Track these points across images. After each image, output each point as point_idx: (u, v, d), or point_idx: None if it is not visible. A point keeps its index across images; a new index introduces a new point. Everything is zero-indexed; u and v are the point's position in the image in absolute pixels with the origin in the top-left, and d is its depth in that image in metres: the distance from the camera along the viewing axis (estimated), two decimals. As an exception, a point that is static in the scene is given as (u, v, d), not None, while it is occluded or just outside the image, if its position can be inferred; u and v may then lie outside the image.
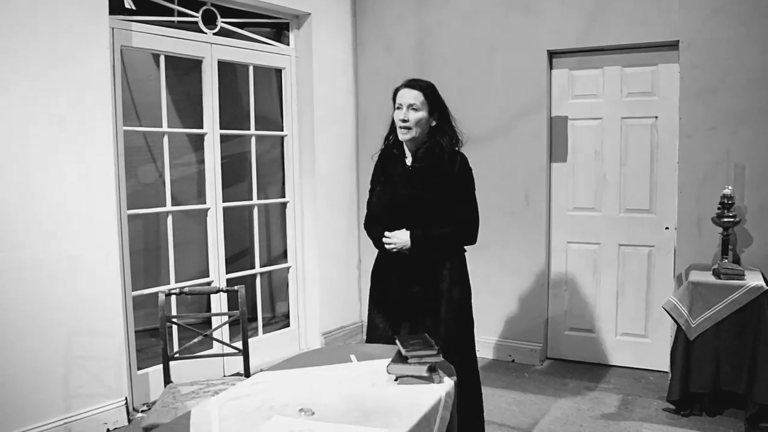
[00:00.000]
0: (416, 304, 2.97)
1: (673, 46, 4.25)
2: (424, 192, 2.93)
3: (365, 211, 3.26)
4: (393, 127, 3.05)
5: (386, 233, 2.97)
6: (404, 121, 2.92)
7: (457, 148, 3.04)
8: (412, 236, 2.91)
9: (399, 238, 2.93)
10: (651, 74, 4.41)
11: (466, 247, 3.11)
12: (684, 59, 4.19)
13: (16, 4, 3.28)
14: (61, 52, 3.46)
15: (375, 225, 3.09)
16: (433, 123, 2.98)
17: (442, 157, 2.96)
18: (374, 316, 3.12)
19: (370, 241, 3.15)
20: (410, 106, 2.92)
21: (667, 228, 4.42)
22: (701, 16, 4.11)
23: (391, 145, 3.09)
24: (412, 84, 2.98)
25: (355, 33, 5.41)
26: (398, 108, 2.96)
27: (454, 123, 3.05)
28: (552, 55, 4.69)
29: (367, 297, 3.22)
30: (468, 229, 3.02)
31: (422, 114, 2.92)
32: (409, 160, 3.02)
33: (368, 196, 3.22)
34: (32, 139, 3.38)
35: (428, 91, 2.96)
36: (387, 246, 2.97)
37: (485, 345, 4.99)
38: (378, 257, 3.14)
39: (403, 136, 2.95)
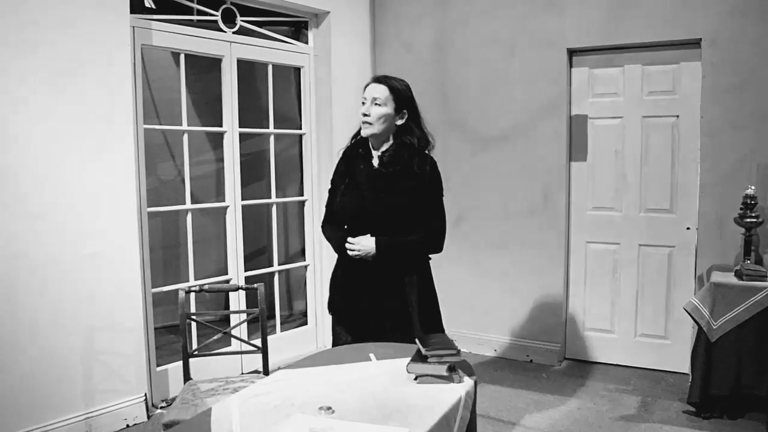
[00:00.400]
0: (383, 316, 2.82)
1: (696, 44, 4.20)
2: (391, 197, 2.78)
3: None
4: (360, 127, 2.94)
5: (349, 239, 2.82)
6: (365, 115, 2.80)
7: (426, 151, 2.90)
8: (377, 243, 2.77)
9: (363, 245, 2.78)
10: (672, 73, 4.37)
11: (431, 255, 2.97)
12: (706, 57, 4.14)
13: (40, 5, 3.31)
14: (84, 51, 3.50)
15: (336, 228, 2.96)
16: (399, 122, 2.84)
17: (411, 160, 2.81)
18: (336, 327, 2.99)
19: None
20: (374, 101, 2.79)
21: (688, 228, 4.37)
22: (724, 13, 4.06)
23: (357, 144, 2.95)
24: (380, 79, 2.87)
25: (373, 31, 5.41)
26: (363, 102, 2.84)
27: (423, 124, 2.92)
28: (572, 53, 4.65)
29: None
30: (436, 237, 2.88)
31: (386, 110, 2.79)
32: (375, 161, 2.88)
33: (328, 195, 3.05)
34: (56, 137, 3.42)
35: (396, 87, 2.83)
36: (350, 252, 2.81)
37: (502, 345, 4.97)
38: (338, 263, 2.97)
39: (364, 131, 2.84)
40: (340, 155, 3.02)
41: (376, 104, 2.80)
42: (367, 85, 2.88)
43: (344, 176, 2.93)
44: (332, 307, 3.02)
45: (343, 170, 2.95)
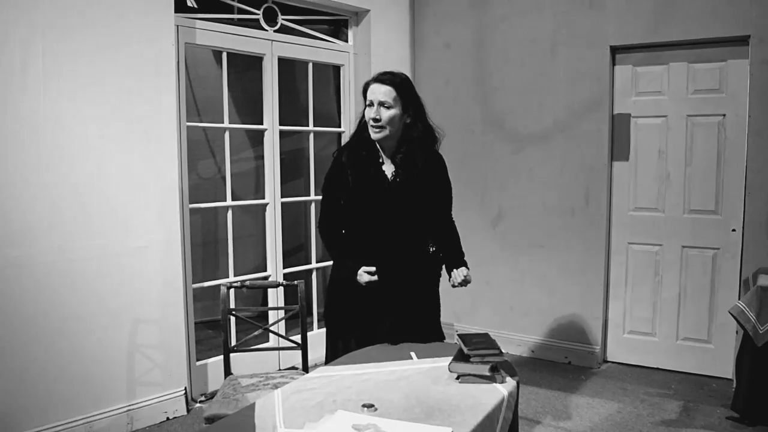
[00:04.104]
0: (403, 321, 2.77)
1: (744, 41, 4.10)
2: (410, 204, 2.75)
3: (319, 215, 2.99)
4: (362, 125, 2.81)
5: (468, 276, 2.77)
6: (376, 120, 2.69)
7: (436, 146, 2.87)
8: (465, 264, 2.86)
9: (467, 275, 2.79)
10: (719, 70, 4.27)
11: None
12: (755, 55, 4.04)
13: (90, 8, 3.38)
14: (130, 50, 3.56)
15: (338, 241, 2.85)
16: (408, 120, 2.77)
17: (425, 162, 2.77)
18: (339, 340, 2.87)
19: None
20: (382, 104, 2.69)
21: (734, 230, 4.27)
22: (774, 10, 3.96)
23: (359, 145, 2.82)
24: (382, 79, 2.74)
25: (413, 30, 5.40)
26: (369, 105, 2.73)
27: (429, 119, 2.84)
28: (615, 50, 4.58)
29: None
30: (458, 237, 2.97)
31: (395, 112, 2.70)
32: (387, 168, 2.79)
33: (326, 202, 2.89)
34: (104, 134, 3.48)
35: (401, 86, 2.73)
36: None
37: (540, 346, 4.93)
38: (349, 283, 2.78)
39: (375, 135, 2.72)
40: (335, 161, 2.88)
41: (384, 107, 2.70)
42: (369, 86, 2.76)
43: (345, 182, 2.80)
44: (343, 321, 2.88)
45: (345, 175, 2.80)
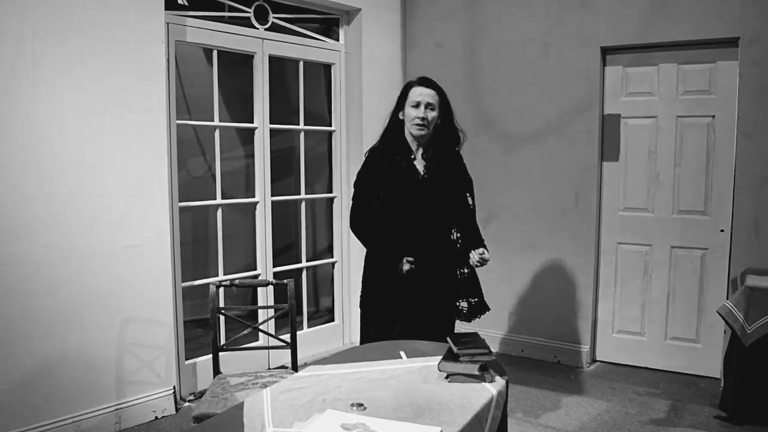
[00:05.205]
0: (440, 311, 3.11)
1: (733, 42, 4.12)
2: (440, 199, 3.04)
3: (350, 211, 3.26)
4: (394, 124, 3.11)
5: (484, 254, 2.99)
6: (422, 119, 2.99)
7: (458, 147, 3.17)
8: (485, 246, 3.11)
9: (483, 253, 3.01)
10: (709, 72, 4.29)
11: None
12: (744, 56, 4.06)
13: (80, 6, 3.36)
14: (120, 47, 3.54)
15: (376, 230, 3.09)
16: (439, 121, 3.07)
17: (451, 160, 3.10)
18: (372, 326, 3.14)
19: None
20: (428, 105, 3.00)
21: (722, 230, 4.29)
22: (763, 11, 3.97)
23: (391, 143, 3.11)
24: (429, 83, 3.05)
25: (405, 29, 5.40)
26: (415, 106, 3.01)
27: (456, 122, 3.14)
28: (606, 51, 4.59)
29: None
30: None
31: (436, 113, 3.03)
32: (419, 164, 3.06)
33: (359, 198, 3.15)
34: (92, 132, 3.46)
35: (441, 91, 3.07)
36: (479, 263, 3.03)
37: (529, 345, 4.94)
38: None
39: (419, 132, 3.01)
40: (370, 158, 3.14)
41: (430, 108, 3.00)
42: (412, 87, 3.06)
43: (383, 181, 3.05)
44: (385, 305, 3.09)
45: (381, 175, 3.06)
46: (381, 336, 2.94)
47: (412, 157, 3.07)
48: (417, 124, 3.00)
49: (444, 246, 3.10)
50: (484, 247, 3.08)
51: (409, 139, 3.10)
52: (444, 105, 3.07)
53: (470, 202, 3.19)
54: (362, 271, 3.23)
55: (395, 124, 3.11)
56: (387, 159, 3.06)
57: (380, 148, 3.12)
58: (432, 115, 3.01)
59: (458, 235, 3.13)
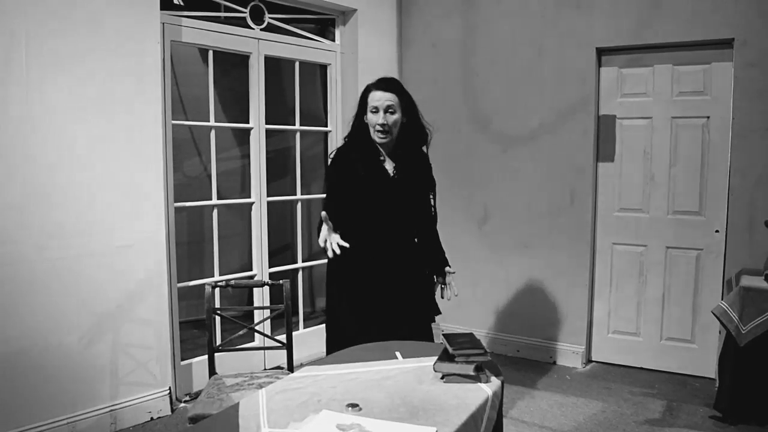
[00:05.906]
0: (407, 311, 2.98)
1: (728, 44, 4.13)
2: (410, 200, 2.96)
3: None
4: (358, 128, 2.95)
5: (451, 285, 2.98)
6: (383, 125, 2.85)
7: (426, 146, 3.07)
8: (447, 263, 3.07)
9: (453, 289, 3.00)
10: (703, 73, 4.30)
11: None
12: (739, 57, 4.07)
13: (75, 5, 3.35)
14: (116, 47, 3.53)
15: (339, 225, 2.77)
16: (404, 120, 2.92)
17: (420, 161, 3.03)
18: (355, 322, 2.94)
19: None
20: (388, 109, 2.85)
21: (717, 231, 4.31)
22: (758, 12, 3.99)
23: (358, 145, 2.94)
24: (387, 87, 2.90)
25: (400, 29, 5.40)
26: (373, 111, 2.86)
27: (421, 118, 3.00)
28: (601, 52, 4.60)
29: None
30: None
31: (398, 116, 2.88)
32: (388, 166, 2.93)
33: (331, 188, 2.94)
34: (87, 132, 3.45)
35: (401, 91, 2.91)
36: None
37: (525, 346, 4.94)
38: (356, 264, 2.89)
39: (381, 139, 2.88)
40: (338, 156, 2.96)
41: (390, 112, 2.86)
42: (370, 92, 2.91)
43: (345, 181, 2.89)
44: (358, 301, 2.93)
45: (347, 175, 2.90)
46: (351, 341, 2.69)
47: (381, 158, 2.94)
48: (378, 131, 2.87)
49: (411, 247, 3.02)
50: (446, 260, 3.06)
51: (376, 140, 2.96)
52: (407, 104, 2.92)
53: (432, 204, 3.07)
54: (326, 278, 3.10)
55: (361, 126, 2.95)
56: (356, 159, 2.92)
57: (348, 148, 2.97)
58: (393, 118, 2.85)
59: (418, 240, 3.05)
